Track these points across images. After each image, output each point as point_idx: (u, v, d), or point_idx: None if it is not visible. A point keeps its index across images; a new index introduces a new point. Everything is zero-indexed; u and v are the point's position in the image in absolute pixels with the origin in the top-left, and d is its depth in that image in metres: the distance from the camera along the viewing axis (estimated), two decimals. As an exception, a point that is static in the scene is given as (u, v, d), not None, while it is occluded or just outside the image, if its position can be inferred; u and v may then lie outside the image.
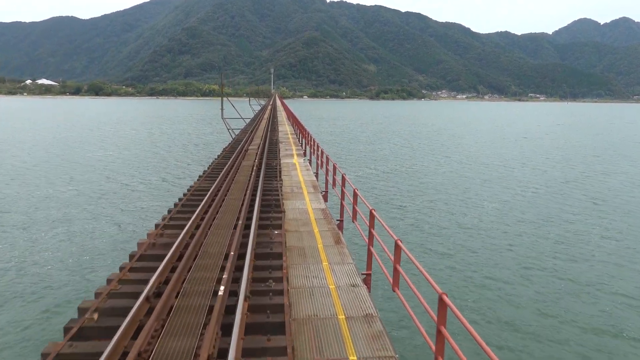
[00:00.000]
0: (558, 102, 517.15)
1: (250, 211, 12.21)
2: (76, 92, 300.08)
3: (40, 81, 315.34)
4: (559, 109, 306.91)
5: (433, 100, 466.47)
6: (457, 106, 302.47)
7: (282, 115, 66.33)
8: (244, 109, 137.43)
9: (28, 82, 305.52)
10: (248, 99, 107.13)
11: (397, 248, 7.41)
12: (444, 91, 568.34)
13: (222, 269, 7.89)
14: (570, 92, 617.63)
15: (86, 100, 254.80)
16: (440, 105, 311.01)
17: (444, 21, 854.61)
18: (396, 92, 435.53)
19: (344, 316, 7.07)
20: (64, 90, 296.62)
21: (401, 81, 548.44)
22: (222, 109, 38.34)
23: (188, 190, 15.96)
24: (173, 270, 8.06)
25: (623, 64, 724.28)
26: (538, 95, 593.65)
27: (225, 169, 18.06)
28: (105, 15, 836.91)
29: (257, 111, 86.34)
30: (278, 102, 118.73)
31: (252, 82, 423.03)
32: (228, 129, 38.14)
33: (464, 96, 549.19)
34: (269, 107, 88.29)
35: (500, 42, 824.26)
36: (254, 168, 18.72)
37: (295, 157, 23.86)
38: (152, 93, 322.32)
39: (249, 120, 49.45)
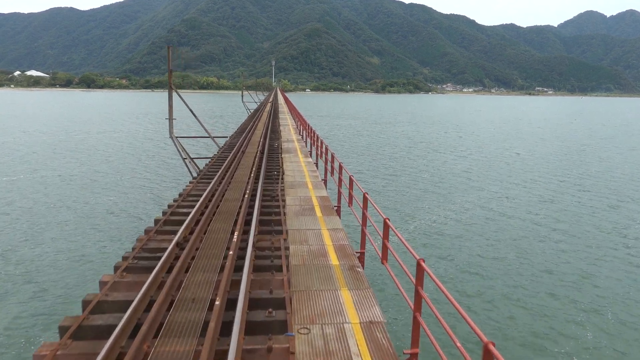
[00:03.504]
0: (569, 96, 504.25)
1: None
2: (67, 84, 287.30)
3: (29, 72, 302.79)
4: (589, 103, 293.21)
5: (440, 94, 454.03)
6: (470, 101, 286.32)
7: (287, 123, 43.89)
8: (236, 107, 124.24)
9: (17, 73, 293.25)
10: (241, 93, 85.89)
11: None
12: (449, 84, 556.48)
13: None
14: (579, 85, 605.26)
15: (71, 93, 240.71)
16: (452, 100, 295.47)
17: (448, 13, 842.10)
18: (402, 86, 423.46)
19: None
20: (54, 82, 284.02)
21: (405, 74, 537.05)
22: (170, 120, 21.95)
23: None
24: None
25: (631, 57, 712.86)
26: (546, 89, 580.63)
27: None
28: (104, 6, 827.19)
29: (252, 111, 71.65)
30: (280, 99, 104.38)
31: (253, 74, 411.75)
32: (184, 160, 21.74)
33: (471, 89, 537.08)
34: (269, 104, 73.95)
35: (505, 34, 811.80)
36: None
37: None
38: (147, 86, 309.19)
39: (232, 134, 30.58)
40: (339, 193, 13.38)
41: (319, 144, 20.91)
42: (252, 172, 14.68)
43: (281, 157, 19.37)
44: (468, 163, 43.43)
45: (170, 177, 33.65)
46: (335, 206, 12.93)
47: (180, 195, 12.28)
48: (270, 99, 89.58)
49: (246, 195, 11.13)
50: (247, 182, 13.25)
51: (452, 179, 35.89)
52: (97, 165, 38.90)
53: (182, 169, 34.87)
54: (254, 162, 16.79)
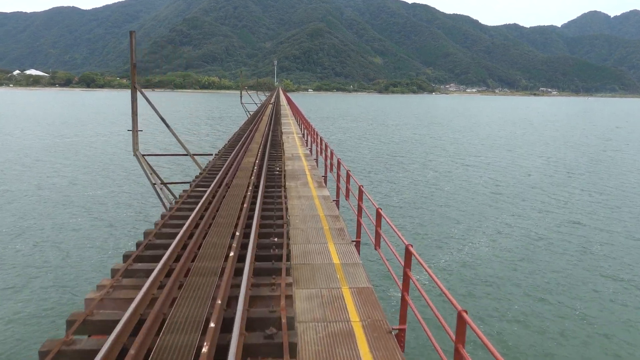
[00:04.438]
0: (575, 97, 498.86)
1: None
2: (67, 83, 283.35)
3: (28, 72, 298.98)
4: (597, 104, 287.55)
5: (444, 94, 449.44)
6: (475, 101, 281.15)
7: (291, 129, 35.75)
8: (234, 109, 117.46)
9: (16, 72, 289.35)
10: (240, 93, 77.91)
11: None
12: (452, 85, 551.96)
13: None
14: (583, 86, 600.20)
15: (70, 93, 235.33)
16: (456, 100, 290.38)
17: (451, 13, 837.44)
18: (406, 86, 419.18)
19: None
20: (53, 81, 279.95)
21: (408, 74, 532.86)
22: (133, 131, 16.19)
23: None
24: None
25: (635, 58, 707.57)
26: (550, 90, 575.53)
27: None
28: (106, 5, 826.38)
29: (251, 113, 62.72)
30: (282, 99, 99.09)
31: (255, 74, 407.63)
32: (154, 186, 16.10)
33: (474, 90, 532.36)
34: (270, 105, 69.10)
35: (508, 34, 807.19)
36: None
37: None
38: (148, 85, 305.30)
39: (221, 149, 22.61)
40: (405, 305, 6.85)
41: (338, 170, 15.00)
42: (236, 238, 8.23)
43: (285, 191, 13.15)
44: (492, 173, 39.19)
45: (130, 217, 23.85)
46: (394, 329, 6.40)
47: (84, 310, 5.84)
48: (272, 100, 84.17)
49: (208, 341, 4.68)
50: (220, 276, 6.78)
51: (478, 193, 31.73)
52: (30, 193, 28.88)
53: (146, 202, 26.42)
54: (241, 211, 10.25)
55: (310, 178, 17.10)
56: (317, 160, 22.22)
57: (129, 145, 50.27)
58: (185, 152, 19.54)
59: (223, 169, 14.89)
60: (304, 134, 33.10)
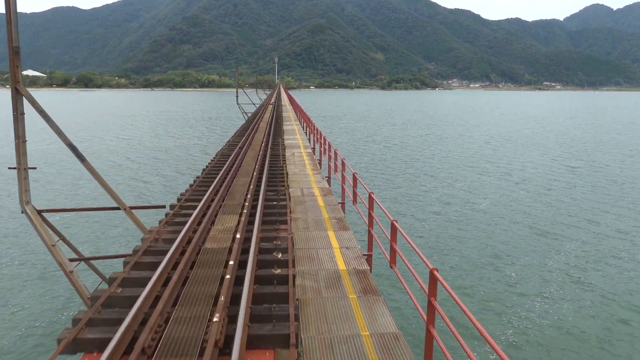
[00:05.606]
0: (580, 91, 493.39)
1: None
2: (64, 83, 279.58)
3: (25, 72, 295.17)
4: (607, 98, 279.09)
5: (447, 89, 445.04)
6: (481, 97, 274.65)
7: (297, 141, 27.13)
8: (228, 111, 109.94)
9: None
10: (236, 92, 68.67)
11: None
12: (455, 80, 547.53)
13: None
14: (587, 80, 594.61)
15: (67, 93, 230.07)
16: (461, 96, 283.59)
17: (452, 7, 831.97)
18: (409, 82, 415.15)
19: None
20: (50, 82, 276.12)
21: (410, 70, 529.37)
22: (19, 169, 8.11)
23: None
24: None
25: (639, 51, 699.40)
26: (554, 84, 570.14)
27: None
28: (106, 5, 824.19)
29: (248, 115, 56.85)
30: (284, 99, 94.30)
31: (256, 71, 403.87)
32: (62, 269, 7.94)
33: (477, 85, 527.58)
34: (270, 106, 64.32)
35: (511, 28, 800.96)
36: None
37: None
38: (147, 84, 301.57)
39: (186, 191, 12.58)
40: None
41: (432, 295, 5.56)
42: None
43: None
44: (518, 186, 34.61)
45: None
46: None
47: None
48: (272, 100, 78.95)
49: None
50: None
51: (511, 216, 27.51)
52: None
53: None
54: None
55: (344, 266, 8.10)
56: (343, 204, 13.63)
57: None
58: (117, 205, 10.10)
59: (163, 266, 6.53)
60: (314, 148, 24.91)
